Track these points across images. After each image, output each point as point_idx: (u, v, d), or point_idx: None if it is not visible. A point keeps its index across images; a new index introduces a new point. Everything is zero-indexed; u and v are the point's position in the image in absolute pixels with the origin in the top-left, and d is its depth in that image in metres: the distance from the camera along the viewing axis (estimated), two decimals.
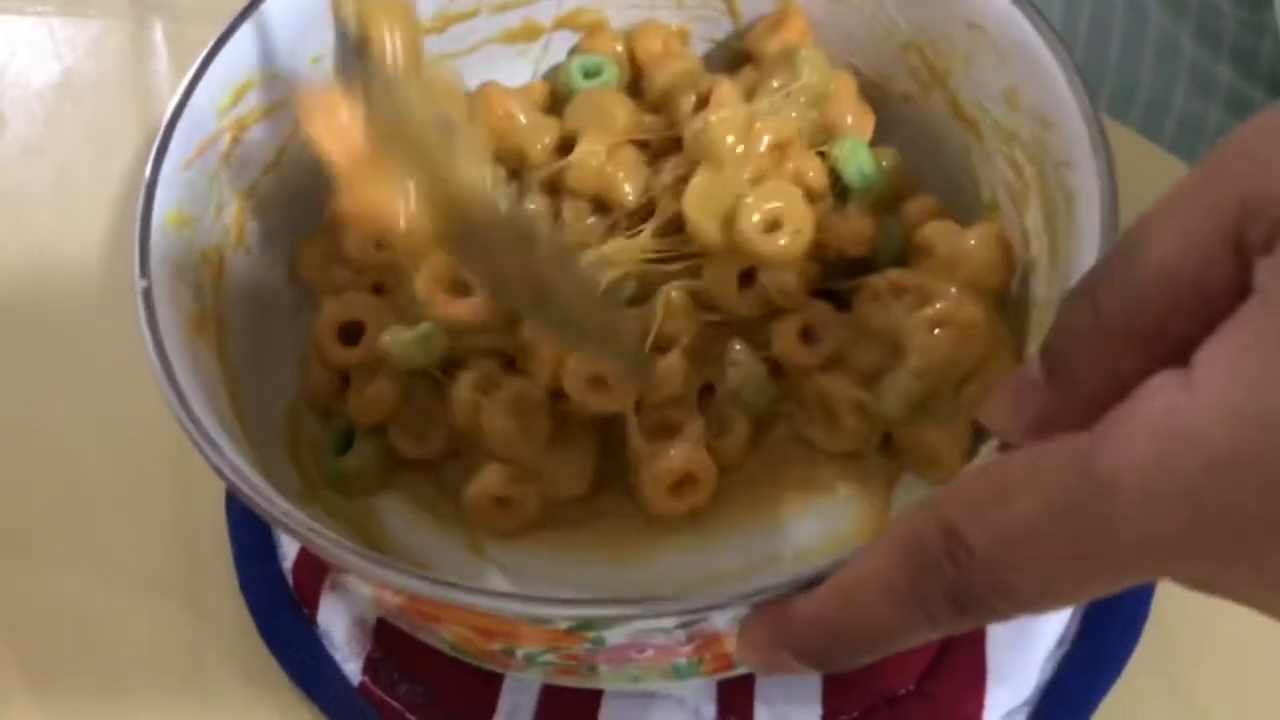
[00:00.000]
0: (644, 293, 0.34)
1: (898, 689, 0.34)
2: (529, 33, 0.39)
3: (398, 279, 0.35)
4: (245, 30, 0.34)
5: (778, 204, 0.33)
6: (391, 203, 0.31)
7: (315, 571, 0.36)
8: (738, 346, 0.34)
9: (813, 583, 0.24)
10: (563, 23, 0.39)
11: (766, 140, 0.34)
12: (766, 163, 0.34)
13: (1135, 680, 0.34)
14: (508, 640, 0.29)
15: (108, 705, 0.36)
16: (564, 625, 0.27)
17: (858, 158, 0.34)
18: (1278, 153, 0.19)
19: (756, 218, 0.33)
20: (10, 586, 0.38)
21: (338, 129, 0.31)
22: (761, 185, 0.33)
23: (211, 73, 0.33)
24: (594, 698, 0.34)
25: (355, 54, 0.31)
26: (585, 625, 0.27)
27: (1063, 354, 0.23)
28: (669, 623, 0.27)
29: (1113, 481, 0.19)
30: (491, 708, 0.34)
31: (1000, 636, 0.34)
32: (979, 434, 0.32)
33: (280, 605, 0.36)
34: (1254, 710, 0.34)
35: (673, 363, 0.33)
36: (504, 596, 0.28)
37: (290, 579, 0.36)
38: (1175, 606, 0.35)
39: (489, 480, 0.33)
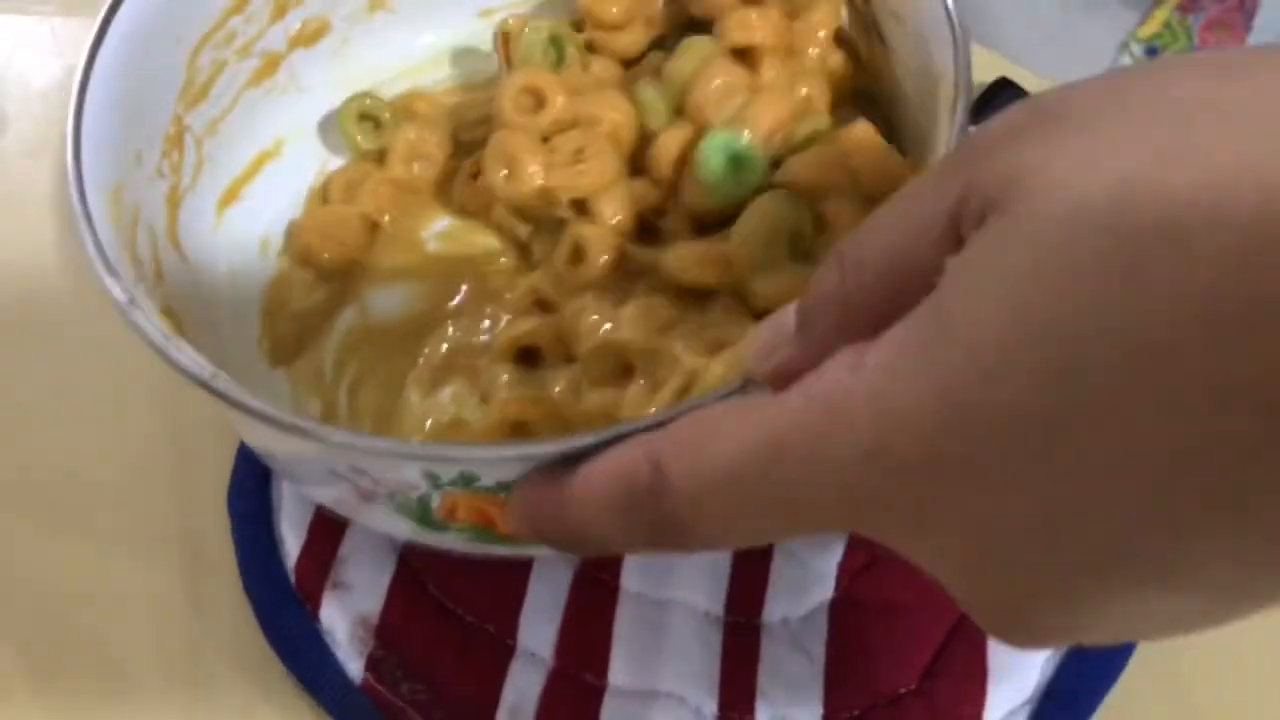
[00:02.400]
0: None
1: (898, 688, 0.34)
2: (271, 66, 0.39)
3: None
4: None
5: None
6: None
7: (318, 569, 0.36)
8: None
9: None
10: (296, 41, 0.39)
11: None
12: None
13: (1135, 680, 0.34)
14: None
15: (108, 704, 0.36)
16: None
17: None
18: (1004, 144, 0.19)
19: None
20: (10, 585, 0.38)
21: None
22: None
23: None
24: (596, 696, 0.34)
25: None
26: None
27: (809, 312, 0.24)
28: None
29: (778, 444, 0.21)
30: (494, 705, 0.34)
31: None
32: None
33: (283, 603, 0.36)
34: (1254, 711, 0.34)
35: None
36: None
37: (293, 577, 0.36)
38: None
39: (513, 407, 0.32)
